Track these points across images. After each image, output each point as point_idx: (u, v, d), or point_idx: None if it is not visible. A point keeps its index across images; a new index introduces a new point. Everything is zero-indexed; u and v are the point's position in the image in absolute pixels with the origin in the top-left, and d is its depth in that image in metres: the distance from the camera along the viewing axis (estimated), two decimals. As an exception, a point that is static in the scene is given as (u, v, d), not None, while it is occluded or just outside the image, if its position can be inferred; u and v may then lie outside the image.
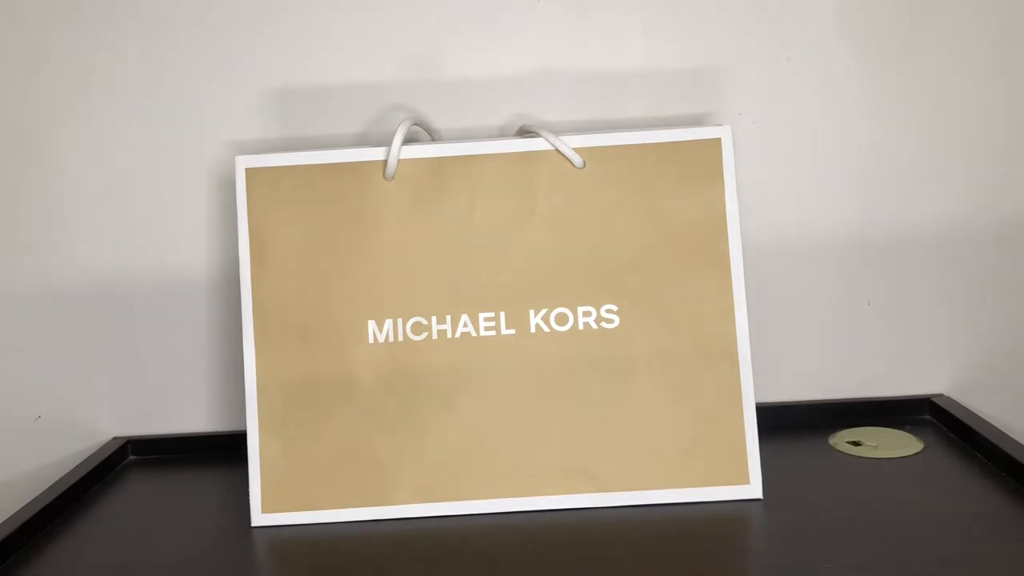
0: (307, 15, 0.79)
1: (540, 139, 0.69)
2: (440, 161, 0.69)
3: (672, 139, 0.69)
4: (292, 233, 0.69)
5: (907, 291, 0.81)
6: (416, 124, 0.73)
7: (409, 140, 0.71)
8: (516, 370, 0.68)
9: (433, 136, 0.77)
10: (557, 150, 0.69)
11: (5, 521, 0.66)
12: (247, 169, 0.69)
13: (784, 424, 0.79)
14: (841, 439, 0.76)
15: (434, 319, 0.69)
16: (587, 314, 0.68)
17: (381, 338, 0.69)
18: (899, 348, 0.82)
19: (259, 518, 0.67)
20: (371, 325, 0.69)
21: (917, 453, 0.73)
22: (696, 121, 0.79)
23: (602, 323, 0.68)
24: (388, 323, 0.69)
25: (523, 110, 0.79)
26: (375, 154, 0.69)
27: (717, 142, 0.69)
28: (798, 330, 0.81)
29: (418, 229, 0.69)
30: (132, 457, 0.81)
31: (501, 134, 0.79)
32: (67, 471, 0.75)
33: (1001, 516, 0.63)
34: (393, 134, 0.68)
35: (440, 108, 0.79)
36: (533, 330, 0.68)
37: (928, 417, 0.80)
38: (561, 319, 0.68)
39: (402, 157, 0.69)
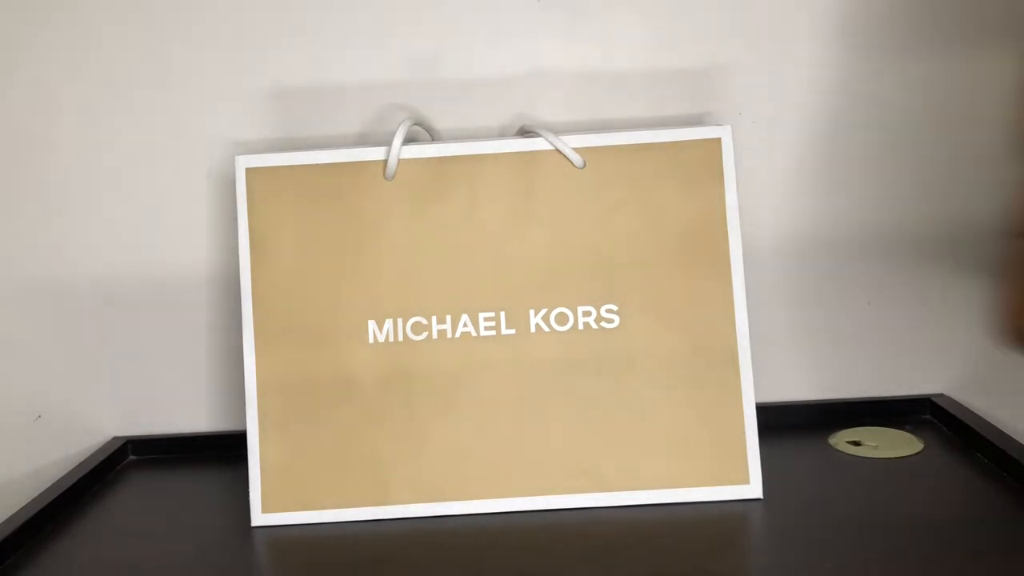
0: (307, 15, 0.79)
1: (540, 139, 0.69)
2: (440, 161, 0.69)
3: (672, 139, 0.69)
4: (292, 233, 0.69)
5: (907, 291, 0.81)
6: (416, 124, 0.73)
7: (409, 140, 0.71)
8: (516, 370, 0.68)
9: (433, 136, 0.77)
10: (557, 150, 0.69)
11: (5, 521, 0.66)
12: (247, 169, 0.69)
13: (784, 424, 0.79)
14: (841, 439, 0.76)
15: (434, 319, 0.69)
16: (587, 314, 0.68)
17: (381, 338, 0.68)
18: (899, 348, 0.82)
19: (259, 518, 0.67)
20: (371, 325, 0.69)
21: (917, 453, 0.73)
22: (696, 121, 0.79)
23: (602, 323, 0.68)
24: (388, 323, 0.69)
25: (523, 110, 0.79)
26: (375, 154, 0.69)
27: (717, 142, 0.69)
28: (798, 330, 0.81)
29: (418, 229, 0.69)
30: (132, 457, 0.81)
31: (501, 134, 0.79)
32: (67, 471, 0.75)
33: (1001, 516, 0.63)
34: (393, 134, 0.69)
35: (440, 108, 0.79)
36: (533, 330, 0.68)
37: (928, 417, 0.80)
38: (561, 319, 0.68)
39: (402, 157, 0.69)
